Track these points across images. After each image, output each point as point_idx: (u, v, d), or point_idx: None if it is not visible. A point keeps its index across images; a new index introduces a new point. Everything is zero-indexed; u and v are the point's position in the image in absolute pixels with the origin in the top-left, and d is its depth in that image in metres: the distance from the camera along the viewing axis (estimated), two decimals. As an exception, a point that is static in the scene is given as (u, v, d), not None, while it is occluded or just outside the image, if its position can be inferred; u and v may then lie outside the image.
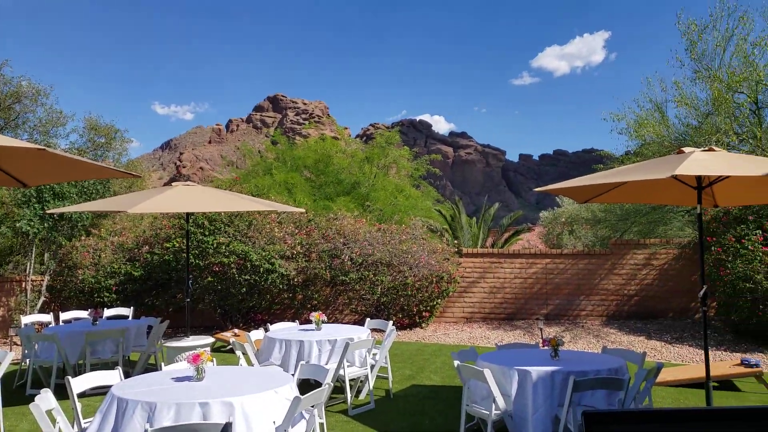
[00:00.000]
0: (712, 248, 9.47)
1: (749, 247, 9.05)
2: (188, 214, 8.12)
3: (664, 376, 6.87)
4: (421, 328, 11.21)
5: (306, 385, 6.03)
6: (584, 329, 10.64)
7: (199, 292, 10.71)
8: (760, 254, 8.92)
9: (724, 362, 7.14)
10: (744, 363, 6.74)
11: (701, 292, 5.25)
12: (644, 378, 4.80)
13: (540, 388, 4.52)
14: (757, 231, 9.26)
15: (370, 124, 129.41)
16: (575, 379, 4.24)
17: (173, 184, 6.99)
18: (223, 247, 10.54)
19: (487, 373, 4.49)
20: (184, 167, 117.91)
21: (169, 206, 6.37)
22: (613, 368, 4.69)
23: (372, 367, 6.34)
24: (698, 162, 4.45)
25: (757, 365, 6.63)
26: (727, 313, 9.44)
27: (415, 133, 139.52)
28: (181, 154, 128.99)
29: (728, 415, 0.70)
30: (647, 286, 11.42)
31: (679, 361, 8.35)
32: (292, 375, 4.49)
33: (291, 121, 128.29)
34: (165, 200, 6.36)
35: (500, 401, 4.55)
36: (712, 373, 5.69)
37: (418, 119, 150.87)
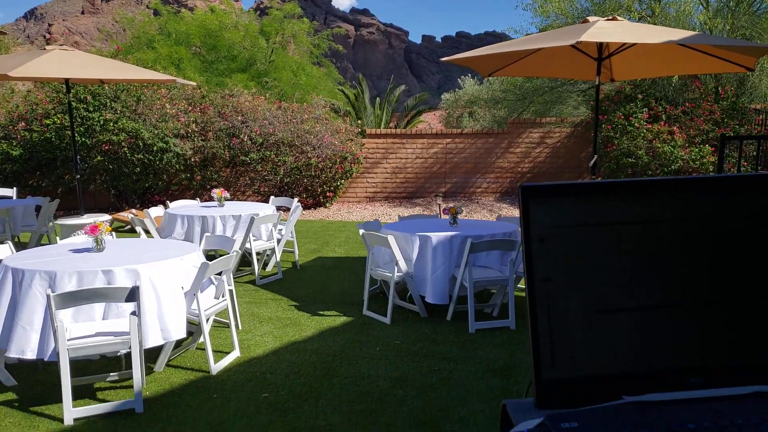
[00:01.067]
0: (602, 126, 10.13)
1: (636, 124, 9.80)
2: (68, 85, 7.42)
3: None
4: (325, 207, 11.38)
5: (210, 259, 6.04)
6: (479, 204, 11.30)
7: (89, 172, 10.08)
8: (644, 131, 9.70)
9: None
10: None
11: (592, 162, 5.69)
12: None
13: (439, 251, 4.83)
14: (644, 109, 10.00)
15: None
16: (472, 241, 4.56)
17: (47, 47, 6.27)
18: (111, 124, 9.85)
19: (391, 238, 4.70)
20: (56, 41, 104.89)
21: (52, 70, 5.77)
22: (507, 232, 5.07)
23: (278, 241, 6.43)
24: (602, 30, 4.62)
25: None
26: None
27: (313, 8, 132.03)
28: (50, 25, 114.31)
29: (677, 186, 0.77)
30: (540, 164, 12.16)
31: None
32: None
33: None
34: (45, 64, 5.73)
35: (402, 264, 4.82)
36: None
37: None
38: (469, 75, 19.11)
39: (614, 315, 0.74)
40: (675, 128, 9.67)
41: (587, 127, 11.78)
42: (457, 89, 19.08)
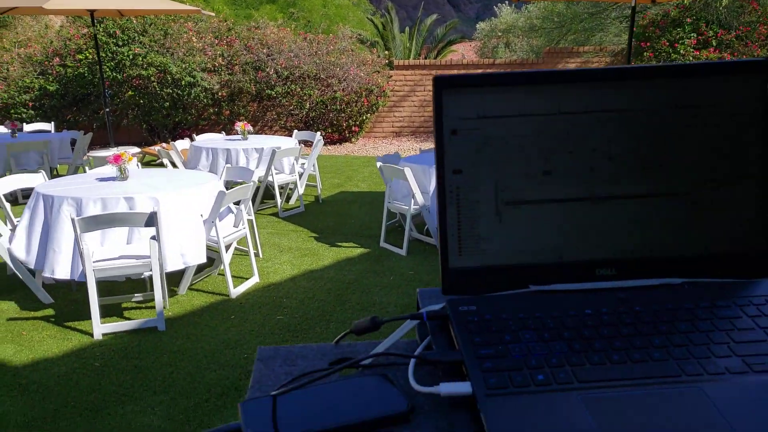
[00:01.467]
0: (645, 54, 9.55)
1: (681, 51, 9.14)
2: (93, 18, 7.48)
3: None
4: (351, 142, 11.39)
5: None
6: (508, 139, 11.13)
7: (121, 107, 10.29)
8: (691, 59, 9.12)
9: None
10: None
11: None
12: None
13: (456, 182, 4.84)
14: (692, 34, 9.29)
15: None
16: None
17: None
18: (140, 58, 9.93)
19: (407, 171, 4.73)
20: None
21: (78, 2, 5.90)
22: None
23: (300, 174, 6.53)
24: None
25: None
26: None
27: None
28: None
29: (591, 76, 0.77)
30: (570, 97, 11.79)
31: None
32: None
33: None
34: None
35: (419, 197, 4.87)
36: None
37: None
38: (507, 2, 18.33)
39: (525, 207, 0.75)
40: (726, 55, 8.98)
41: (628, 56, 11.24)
42: (493, 17, 18.37)
